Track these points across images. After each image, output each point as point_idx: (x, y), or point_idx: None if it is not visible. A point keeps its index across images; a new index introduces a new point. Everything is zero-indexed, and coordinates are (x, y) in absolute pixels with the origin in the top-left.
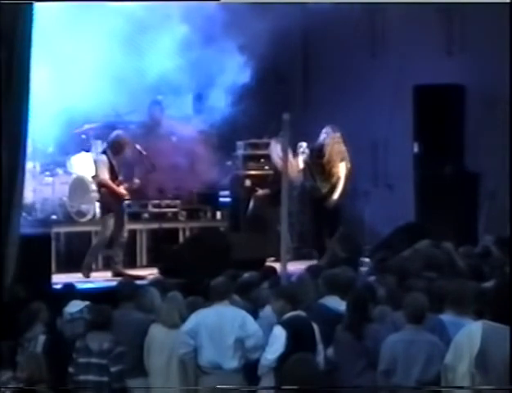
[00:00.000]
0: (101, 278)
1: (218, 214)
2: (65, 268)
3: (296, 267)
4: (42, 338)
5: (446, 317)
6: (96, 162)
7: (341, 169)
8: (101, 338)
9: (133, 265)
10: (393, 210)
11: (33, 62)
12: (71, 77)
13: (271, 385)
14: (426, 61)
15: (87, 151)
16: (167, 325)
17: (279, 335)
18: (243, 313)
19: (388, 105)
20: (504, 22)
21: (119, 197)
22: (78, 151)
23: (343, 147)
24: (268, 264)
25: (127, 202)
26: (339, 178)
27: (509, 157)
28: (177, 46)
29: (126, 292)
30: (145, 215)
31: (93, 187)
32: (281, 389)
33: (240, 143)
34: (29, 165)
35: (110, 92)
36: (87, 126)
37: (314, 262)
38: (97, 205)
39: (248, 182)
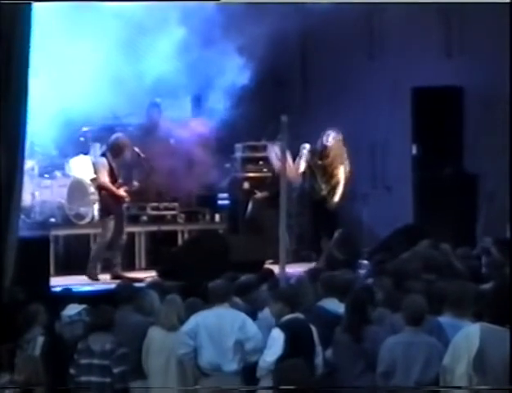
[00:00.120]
0: (100, 281)
1: (217, 217)
2: (63, 270)
3: (295, 269)
4: (40, 341)
5: (445, 319)
6: (95, 165)
7: (342, 172)
8: (103, 339)
9: (132, 268)
10: (392, 212)
11: (32, 64)
12: (70, 79)
13: None
14: (425, 63)
15: (86, 153)
16: (165, 327)
17: (277, 337)
18: (243, 315)
19: (387, 107)
20: (503, 23)
21: (118, 200)
22: (77, 154)
23: (344, 150)
24: (266, 266)
25: (126, 205)
26: (339, 180)
27: (508, 159)
28: (176, 48)
29: (125, 295)
30: (144, 218)
31: (92, 189)
32: (280, 389)
33: (238, 146)
34: (27, 168)
35: (109, 95)
36: (85, 128)
37: (313, 264)
38: (96, 207)
39: (246, 185)
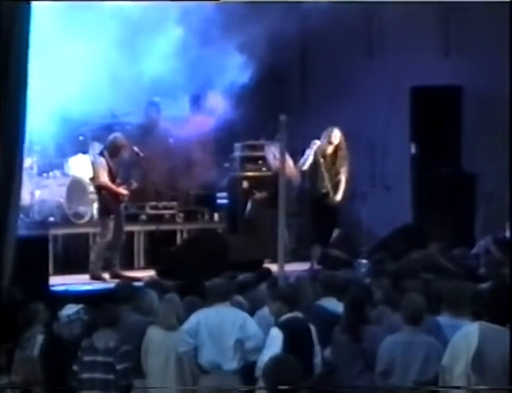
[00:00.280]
0: (103, 280)
1: (216, 216)
2: (62, 269)
3: (293, 268)
4: (39, 340)
5: (443, 319)
6: (94, 164)
7: (345, 169)
8: (107, 337)
9: (131, 267)
10: (391, 211)
11: (31, 63)
12: (69, 78)
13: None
14: (423, 62)
15: (85, 152)
16: (164, 327)
17: (276, 337)
18: (244, 314)
19: (386, 106)
20: (501, 23)
21: (118, 199)
22: (76, 153)
23: (346, 147)
24: (264, 265)
25: (124, 204)
26: (342, 178)
27: (508, 158)
28: (174, 47)
29: (124, 294)
30: (143, 217)
31: (91, 188)
32: (278, 389)
33: (237, 145)
34: (26, 167)
35: (108, 94)
36: (84, 127)
37: (311, 263)
38: (95, 207)
39: (245, 184)
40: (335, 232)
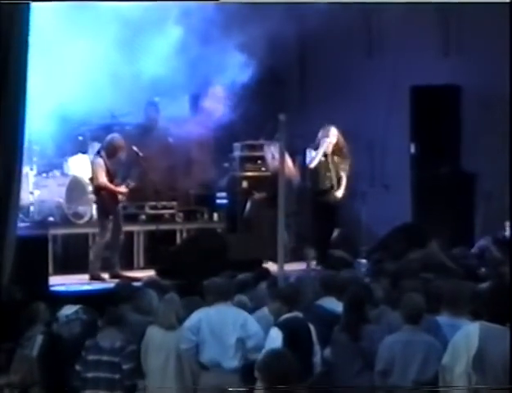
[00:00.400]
0: (103, 280)
1: (215, 216)
2: (62, 269)
3: (293, 268)
4: (39, 340)
5: (443, 318)
6: (92, 165)
7: (345, 168)
8: (112, 336)
9: (130, 267)
10: (390, 211)
11: (30, 63)
12: (68, 78)
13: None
14: (423, 62)
15: (84, 152)
16: (164, 326)
17: (275, 336)
18: (245, 313)
19: (385, 105)
20: (500, 22)
21: (116, 199)
22: (75, 153)
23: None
24: (263, 265)
25: (124, 204)
26: (342, 176)
27: (508, 158)
28: (174, 47)
29: (123, 294)
30: (142, 217)
31: (90, 188)
32: (277, 389)
33: (236, 145)
34: (25, 167)
35: (107, 94)
36: (84, 127)
37: (311, 263)
38: (94, 206)
39: (245, 184)
40: (335, 232)
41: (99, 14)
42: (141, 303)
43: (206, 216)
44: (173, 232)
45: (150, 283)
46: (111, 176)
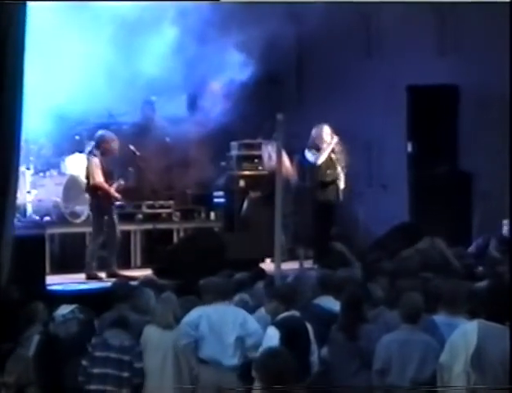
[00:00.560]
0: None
1: (212, 215)
2: (59, 269)
3: (290, 267)
4: (36, 339)
5: (440, 317)
6: (88, 164)
7: (343, 165)
8: (121, 335)
9: (128, 266)
10: (388, 210)
11: (27, 62)
12: (65, 77)
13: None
14: (420, 62)
15: (81, 151)
16: (161, 326)
17: (273, 336)
18: (243, 312)
19: (382, 105)
20: (497, 22)
21: (111, 198)
22: (72, 152)
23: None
24: (259, 264)
25: (120, 203)
26: (340, 173)
27: (508, 157)
28: (171, 47)
29: (120, 293)
30: (139, 216)
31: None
32: (276, 388)
33: (234, 144)
34: (22, 166)
35: (104, 93)
36: (80, 127)
37: (308, 262)
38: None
39: (242, 183)
40: (332, 231)
41: (96, 13)
42: (138, 302)
43: (203, 215)
44: (170, 232)
45: (147, 282)
46: (107, 175)
